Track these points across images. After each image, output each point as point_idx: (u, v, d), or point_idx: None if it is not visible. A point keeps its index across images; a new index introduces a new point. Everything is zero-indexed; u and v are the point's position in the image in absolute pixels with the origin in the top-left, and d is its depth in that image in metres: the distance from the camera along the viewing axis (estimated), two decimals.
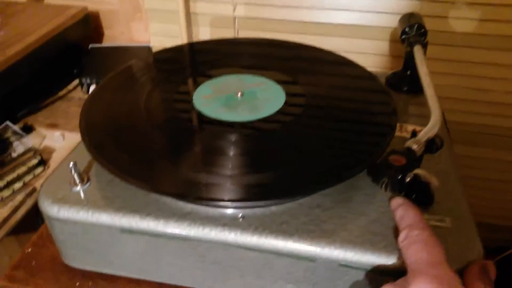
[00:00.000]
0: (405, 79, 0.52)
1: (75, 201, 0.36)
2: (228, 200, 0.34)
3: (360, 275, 0.33)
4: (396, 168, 0.31)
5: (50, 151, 0.61)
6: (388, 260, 0.32)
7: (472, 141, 0.75)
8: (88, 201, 0.36)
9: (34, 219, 0.57)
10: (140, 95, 0.46)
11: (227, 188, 0.35)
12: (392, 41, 0.70)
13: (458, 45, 0.67)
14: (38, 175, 0.56)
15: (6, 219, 0.51)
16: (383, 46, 0.70)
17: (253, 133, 0.41)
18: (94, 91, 0.47)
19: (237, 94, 0.45)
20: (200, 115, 0.43)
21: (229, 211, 0.35)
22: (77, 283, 0.41)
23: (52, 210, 0.36)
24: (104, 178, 0.39)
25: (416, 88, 0.51)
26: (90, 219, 0.36)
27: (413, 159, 0.32)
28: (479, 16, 0.63)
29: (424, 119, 0.44)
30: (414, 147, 0.33)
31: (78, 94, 0.75)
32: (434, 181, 0.29)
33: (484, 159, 0.77)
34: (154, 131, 0.42)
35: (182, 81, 0.50)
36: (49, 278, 0.42)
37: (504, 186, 0.79)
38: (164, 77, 0.50)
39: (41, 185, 0.39)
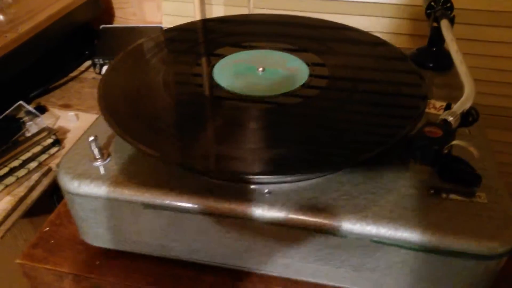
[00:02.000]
0: (430, 56, 0.50)
1: (96, 176, 0.35)
2: (254, 174, 0.33)
3: (391, 252, 0.32)
4: (432, 139, 0.29)
5: (64, 131, 0.60)
6: (422, 235, 0.30)
7: (499, 125, 0.73)
8: (110, 176, 0.35)
9: (48, 201, 0.57)
10: (159, 69, 0.45)
11: (252, 162, 0.34)
12: (410, 19, 0.67)
13: (479, 23, 0.64)
14: (53, 154, 0.55)
15: (22, 198, 0.50)
16: (401, 24, 0.68)
17: (278, 108, 0.40)
18: (111, 65, 0.45)
19: (258, 69, 0.44)
20: (223, 90, 0.42)
21: (255, 186, 0.34)
22: (97, 262, 0.41)
23: (72, 185, 0.35)
24: (125, 154, 0.37)
25: (442, 64, 0.50)
26: (112, 194, 0.35)
27: (449, 131, 0.30)
28: None
29: (451, 94, 0.43)
30: (450, 118, 0.31)
31: (90, 75, 0.74)
32: (474, 152, 0.28)
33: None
34: (175, 105, 0.41)
35: (201, 56, 0.48)
36: (68, 257, 0.41)
37: None
38: (181, 52, 0.49)
39: (60, 161, 0.38)
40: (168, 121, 0.38)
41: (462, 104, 0.33)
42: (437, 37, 0.49)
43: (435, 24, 0.48)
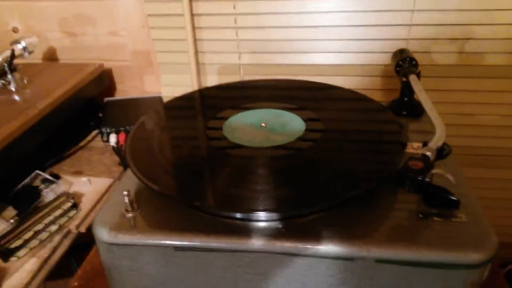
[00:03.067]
0: (403, 105, 0.58)
1: (130, 226, 0.40)
2: (274, 211, 0.38)
3: (393, 270, 0.37)
4: (415, 170, 0.36)
5: (79, 195, 0.64)
6: (417, 252, 0.36)
7: (468, 163, 0.82)
8: (141, 225, 0.40)
9: (66, 263, 0.60)
10: (175, 131, 0.52)
11: (268, 202, 0.40)
12: (383, 76, 0.77)
13: (444, 75, 0.75)
14: (72, 217, 0.59)
15: (46, 259, 0.53)
16: (375, 81, 0.78)
17: (286, 155, 0.46)
18: (134, 129, 0.52)
19: (261, 125, 0.51)
20: (233, 143, 0.48)
21: (271, 223, 0.39)
22: None
23: (109, 235, 0.40)
24: (152, 205, 0.43)
25: (414, 112, 0.58)
26: (145, 241, 0.39)
27: (429, 163, 0.37)
28: (458, 49, 0.72)
29: (424, 136, 0.51)
30: (428, 153, 0.38)
31: (97, 143, 0.79)
32: (450, 178, 0.34)
33: (480, 179, 0.83)
34: (196, 159, 0.47)
35: (210, 117, 0.55)
36: None
37: (506, 203, 0.85)
38: (194, 115, 0.56)
39: (95, 216, 0.43)
40: (188, 172, 0.44)
41: (437, 141, 0.40)
42: (407, 90, 0.57)
43: (404, 79, 0.57)
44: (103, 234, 0.40)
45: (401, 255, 0.36)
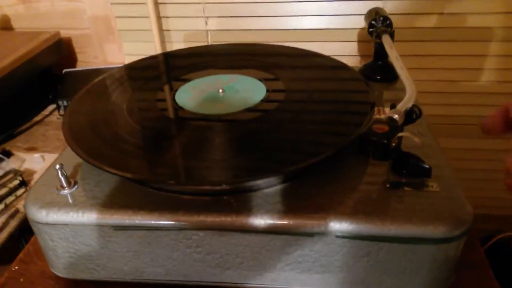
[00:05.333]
0: (377, 69, 0.54)
1: (64, 204, 0.36)
2: (220, 183, 0.34)
3: (356, 246, 0.33)
4: (380, 135, 0.32)
5: (31, 173, 0.60)
6: (382, 226, 0.32)
7: (450, 133, 0.78)
8: (77, 202, 0.36)
9: (16, 245, 0.55)
10: (122, 99, 0.47)
11: (217, 172, 0.36)
12: (360, 41, 0.73)
13: (421, 39, 0.70)
14: (20, 196, 0.55)
15: None
16: (352, 46, 0.73)
17: (239, 122, 0.41)
18: (75, 99, 0.47)
19: (218, 91, 0.46)
20: (185, 111, 0.43)
21: (220, 197, 0.35)
22: None
23: (40, 214, 0.35)
24: (91, 180, 0.38)
25: (387, 76, 0.54)
26: (81, 220, 0.35)
27: (395, 127, 0.33)
28: (439, 10, 0.67)
29: (398, 102, 0.46)
30: (395, 116, 0.34)
31: (54, 118, 0.74)
32: (417, 140, 0.30)
33: (465, 149, 0.80)
34: (140, 128, 0.42)
35: (161, 86, 0.50)
36: None
37: (489, 175, 0.82)
38: (141, 84, 0.50)
39: (27, 193, 0.38)
40: (133, 143, 0.39)
41: (405, 103, 0.36)
42: (381, 52, 0.53)
43: (377, 40, 0.53)
44: (34, 212, 0.36)
45: (364, 229, 0.32)
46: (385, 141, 0.32)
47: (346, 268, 0.35)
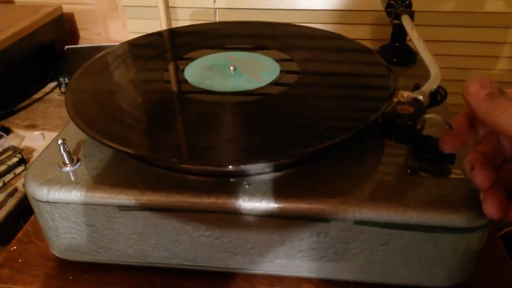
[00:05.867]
0: (394, 51, 0.52)
1: (66, 181, 0.34)
2: (233, 163, 0.32)
3: (375, 234, 0.32)
4: (405, 115, 0.30)
5: (30, 150, 0.57)
6: (403, 213, 0.30)
7: None
8: (80, 180, 0.34)
9: (15, 224, 0.54)
10: (128, 73, 0.44)
11: (231, 153, 0.34)
12: (372, 24, 0.70)
13: (439, 24, 0.67)
14: (19, 174, 0.53)
15: None
16: (363, 29, 0.71)
17: (250, 101, 0.39)
18: (78, 73, 0.44)
19: (229, 68, 0.44)
20: (193, 87, 0.41)
21: (233, 179, 0.33)
22: (70, 277, 0.38)
23: (41, 192, 0.33)
24: (95, 158, 0.36)
25: (405, 59, 0.51)
26: (84, 198, 0.33)
27: (421, 108, 0.31)
28: None
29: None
30: (420, 97, 0.32)
31: (55, 95, 0.72)
32: (447, 122, 0.28)
33: None
34: (145, 104, 0.40)
35: (169, 61, 0.48)
36: (38, 274, 0.39)
37: None
38: (147, 60, 0.48)
39: (27, 169, 0.36)
40: (139, 119, 0.37)
41: (430, 84, 0.34)
42: (399, 33, 0.51)
43: (396, 21, 0.50)
44: (34, 190, 0.34)
45: (385, 216, 0.30)
46: (410, 123, 0.29)
47: (362, 257, 0.33)
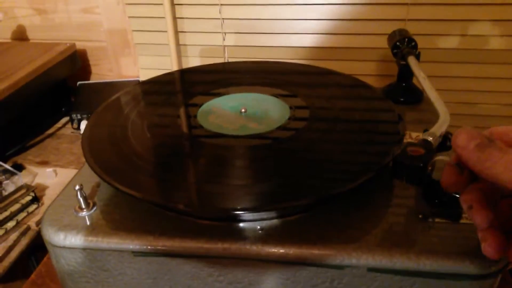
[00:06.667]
0: (400, 91, 0.53)
1: (82, 227, 0.34)
2: (248, 210, 0.33)
3: (389, 280, 0.32)
4: (415, 157, 0.30)
5: (43, 188, 0.58)
6: (416, 260, 0.30)
7: None
8: (97, 226, 0.34)
9: (26, 263, 0.54)
10: (141, 118, 0.46)
11: (243, 198, 0.34)
12: (378, 61, 0.72)
13: (444, 61, 0.69)
14: (32, 212, 0.54)
15: (0, 259, 0.47)
16: (370, 66, 0.72)
17: (262, 145, 0.40)
18: (93, 116, 0.46)
19: (240, 110, 0.45)
20: (207, 131, 0.42)
21: (247, 224, 0.34)
22: None
23: (58, 238, 0.34)
24: (110, 202, 0.37)
25: (412, 98, 0.52)
26: (100, 244, 0.33)
27: (430, 150, 0.31)
28: (461, 32, 0.66)
29: (424, 126, 0.45)
30: (430, 138, 0.32)
31: (67, 131, 0.73)
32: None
33: None
34: (161, 148, 0.41)
35: (181, 104, 0.49)
36: None
37: None
38: (161, 102, 0.49)
39: (43, 214, 0.37)
40: (154, 164, 0.38)
41: (440, 126, 0.35)
42: (405, 73, 0.52)
43: (402, 62, 0.52)
44: (50, 235, 0.34)
45: (398, 263, 0.31)
46: (421, 165, 0.30)
47: None
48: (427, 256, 0.31)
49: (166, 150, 0.41)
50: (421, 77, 0.44)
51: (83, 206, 0.36)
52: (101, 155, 0.39)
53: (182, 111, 0.47)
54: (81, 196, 0.35)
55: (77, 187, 0.35)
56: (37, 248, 0.54)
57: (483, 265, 0.30)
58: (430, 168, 0.31)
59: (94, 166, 0.37)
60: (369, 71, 0.72)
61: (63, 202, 0.37)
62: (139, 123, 0.44)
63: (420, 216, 0.34)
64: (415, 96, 0.52)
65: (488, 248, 0.26)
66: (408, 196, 0.36)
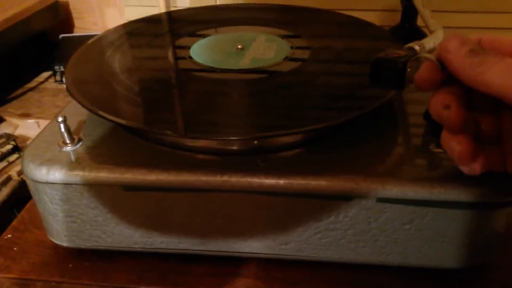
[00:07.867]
0: (404, 32, 0.50)
1: (66, 161, 0.32)
2: (249, 136, 0.30)
3: (398, 212, 0.30)
4: (394, 58, 0.27)
5: (24, 139, 0.55)
6: (431, 189, 0.29)
7: None
8: (82, 160, 0.31)
9: (8, 215, 0.51)
10: (131, 52, 0.42)
11: (243, 129, 0.32)
12: (382, 10, 0.69)
13: (451, 10, 0.66)
14: (13, 162, 0.50)
15: None
16: (371, 15, 0.69)
17: (265, 77, 0.37)
18: (78, 51, 0.42)
19: (237, 47, 0.42)
20: (200, 65, 0.39)
21: (246, 157, 0.31)
22: (70, 265, 0.36)
23: (40, 172, 0.31)
24: (98, 137, 0.34)
25: (415, 40, 0.50)
26: (87, 178, 0.31)
27: (413, 55, 0.28)
28: None
29: None
30: (416, 47, 0.29)
31: (50, 85, 0.69)
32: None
33: None
34: (151, 82, 0.38)
35: (173, 42, 0.46)
36: (35, 263, 0.36)
37: None
38: (154, 38, 0.46)
39: (24, 149, 0.34)
40: (143, 96, 0.35)
41: (431, 38, 0.32)
42: (409, 14, 0.49)
43: (406, 3, 0.49)
44: (32, 171, 0.32)
45: (410, 193, 0.29)
46: (400, 66, 0.27)
47: (383, 237, 0.31)
48: (440, 184, 0.29)
49: (157, 84, 0.38)
50: (427, 16, 0.42)
51: (68, 141, 0.33)
52: (86, 89, 0.36)
53: (171, 51, 0.44)
54: (64, 129, 0.32)
55: (60, 119, 0.32)
56: (20, 201, 0.51)
57: (500, 194, 0.29)
58: (409, 69, 0.27)
59: (78, 96, 0.34)
60: (374, 21, 0.69)
61: (45, 138, 0.34)
62: (127, 59, 0.41)
63: (430, 146, 0.32)
64: (419, 39, 0.50)
65: (462, 154, 0.24)
66: (418, 126, 0.34)
